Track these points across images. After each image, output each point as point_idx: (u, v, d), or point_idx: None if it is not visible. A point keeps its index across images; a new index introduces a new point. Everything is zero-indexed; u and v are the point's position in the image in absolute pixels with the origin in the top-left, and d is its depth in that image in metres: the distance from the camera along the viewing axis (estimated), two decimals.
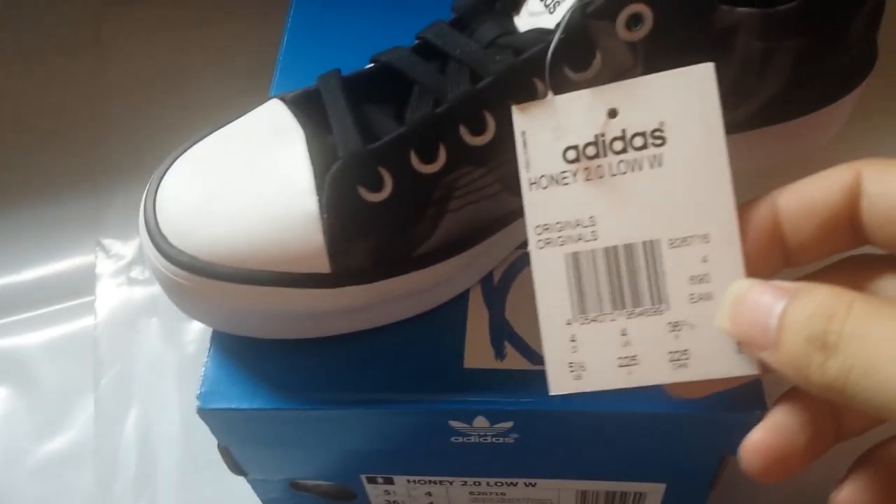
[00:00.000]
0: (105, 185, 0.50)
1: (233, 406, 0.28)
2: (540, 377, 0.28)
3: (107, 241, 0.47)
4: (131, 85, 0.53)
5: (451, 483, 0.33)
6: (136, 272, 0.46)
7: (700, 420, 0.27)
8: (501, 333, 0.29)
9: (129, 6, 0.56)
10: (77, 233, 0.48)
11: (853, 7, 0.27)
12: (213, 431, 0.30)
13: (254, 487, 0.35)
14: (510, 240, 0.30)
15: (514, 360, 0.28)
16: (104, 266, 0.46)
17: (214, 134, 0.29)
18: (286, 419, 0.29)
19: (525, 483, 0.33)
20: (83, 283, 0.46)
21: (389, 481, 0.33)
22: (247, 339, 0.29)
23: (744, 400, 0.27)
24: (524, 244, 0.31)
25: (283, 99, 0.29)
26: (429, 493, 0.34)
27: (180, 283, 0.27)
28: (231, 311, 0.27)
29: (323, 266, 0.26)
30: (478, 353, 0.29)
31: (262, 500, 0.37)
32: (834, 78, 0.29)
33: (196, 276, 0.26)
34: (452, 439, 0.29)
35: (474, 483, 0.33)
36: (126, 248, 0.47)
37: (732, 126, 0.29)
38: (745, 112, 0.29)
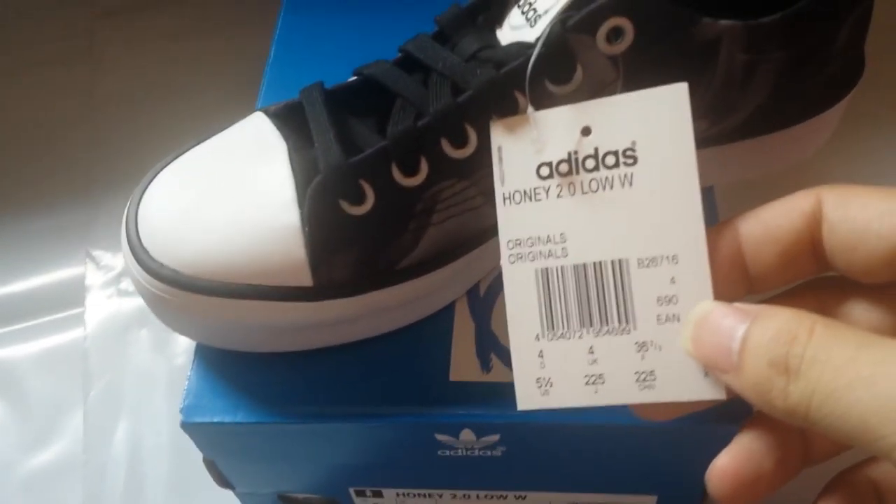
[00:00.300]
0: (96, 196, 0.50)
1: (216, 420, 0.28)
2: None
3: (96, 253, 0.47)
4: (123, 96, 0.53)
5: (440, 496, 0.33)
6: (125, 283, 0.46)
7: (687, 432, 0.27)
8: (487, 345, 0.29)
9: (121, 18, 0.56)
10: (67, 244, 0.48)
11: (838, 18, 0.27)
12: (198, 445, 0.29)
13: (242, 501, 0.35)
14: (495, 252, 0.29)
15: (500, 373, 0.28)
16: (94, 277, 0.46)
17: (197, 147, 0.29)
18: (271, 433, 0.28)
19: (515, 496, 0.33)
20: (73, 295, 0.46)
21: (378, 494, 0.33)
22: (231, 352, 0.29)
23: (733, 411, 0.27)
24: None
25: (266, 112, 0.29)
26: None
27: (162, 298, 0.26)
28: (214, 325, 0.27)
29: (305, 279, 0.26)
30: (464, 365, 0.28)
31: None
32: (820, 89, 0.29)
33: (178, 291, 0.26)
34: (439, 452, 0.29)
35: (464, 496, 0.33)
36: (116, 260, 0.47)
37: (718, 137, 0.30)
38: (729, 124, 0.28)
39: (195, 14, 0.56)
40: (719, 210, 0.32)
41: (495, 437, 0.28)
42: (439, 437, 0.28)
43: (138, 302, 0.47)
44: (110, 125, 0.53)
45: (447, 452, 0.29)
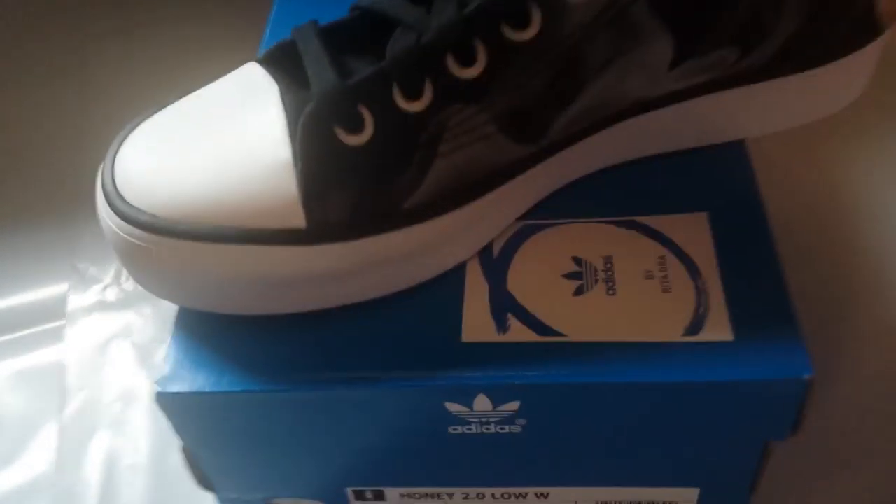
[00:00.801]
0: (84, 212, 0.47)
1: (196, 389, 0.24)
2: (550, 350, 0.24)
3: (82, 265, 0.44)
4: (113, 112, 0.51)
5: (450, 496, 0.29)
6: (111, 295, 0.43)
7: (737, 389, 0.24)
8: (503, 305, 0.25)
9: (112, 40, 0.55)
10: (52, 259, 0.45)
11: None
12: (176, 427, 0.26)
13: None
14: (510, 205, 0.27)
15: (518, 333, 0.25)
16: (77, 291, 0.43)
17: (183, 98, 0.27)
18: (258, 406, 0.25)
19: (536, 494, 0.29)
20: (55, 309, 0.43)
21: (380, 496, 0.29)
22: (215, 318, 0.26)
23: (787, 365, 0.23)
24: (526, 214, 0.28)
25: (257, 60, 0.27)
26: None
27: (139, 247, 0.23)
28: (196, 278, 0.24)
29: (298, 220, 0.23)
30: (477, 326, 0.25)
31: None
32: (859, 18, 0.26)
33: (156, 237, 0.23)
34: (451, 430, 0.25)
35: (478, 496, 0.29)
36: (101, 273, 0.44)
37: (748, 73, 0.27)
38: (761, 56, 0.26)
39: (187, 36, 0.55)
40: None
41: (514, 406, 0.24)
42: (450, 406, 0.24)
43: (122, 315, 0.44)
44: (100, 141, 0.51)
45: (459, 429, 0.25)
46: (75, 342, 0.41)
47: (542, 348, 0.24)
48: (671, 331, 0.24)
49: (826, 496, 0.32)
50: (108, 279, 0.44)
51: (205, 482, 0.29)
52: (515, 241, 0.27)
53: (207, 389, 0.24)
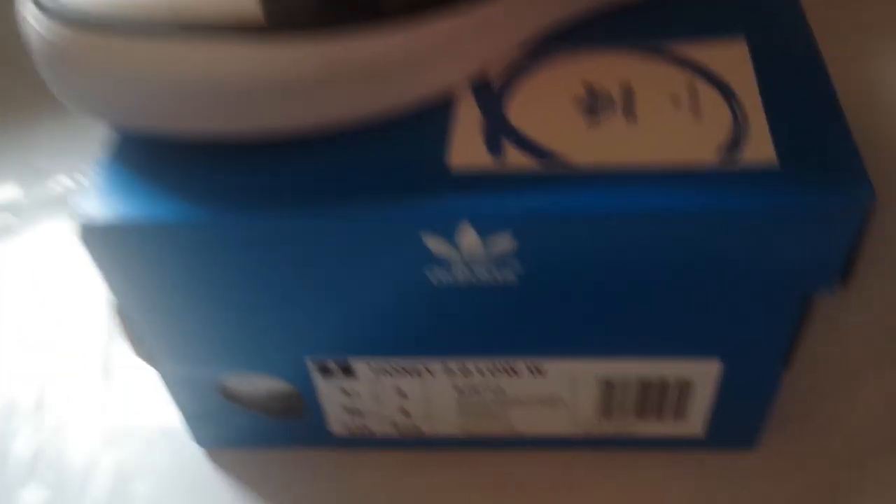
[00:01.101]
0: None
1: (128, 218, 0.20)
2: (553, 179, 0.20)
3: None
4: None
5: (430, 372, 0.25)
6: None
7: (779, 220, 0.19)
8: (499, 130, 0.21)
9: None
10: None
11: None
12: (103, 273, 0.21)
13: (174, 398, 0.27)
14: (510, 20, 0.22)
15: (515, 159, 0.20)
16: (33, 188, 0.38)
17: None
18: (201, 242, 0.20)
19: (530, 368, 0.25)
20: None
21: (348, 370, 0.25)
22: (155, 145, 0.21)
23: (843, 190, 0.19)
24: (531, 45, 0.23)
25: None
26: (400, 391, 0.26)
27: (64, 49, 0.19)
28: (132, 86, 0.19)
29: (252, 8, 0.18)
30: (466, 150, 0.20)
31: (188, 420, 0.28)
32: None
33: (84, 35, 0.18)
34: (430, 275, 0.21)
35: (461, 371, 0.25)
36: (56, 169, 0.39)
37: None
38: None
39: None
40: None
41: (507, 242, 0.20)
42: (430, 242, 0.20)
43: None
44: None
45: (441, 276, 0.21)
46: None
47: (543, 177, 0.20)
48: (701, 153, 0.20)
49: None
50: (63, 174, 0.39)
51: (142, 351, 0.25)
52: (517, 71, 0.22)
53: (140, 220, 0.20)
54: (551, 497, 0.27)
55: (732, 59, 0.22)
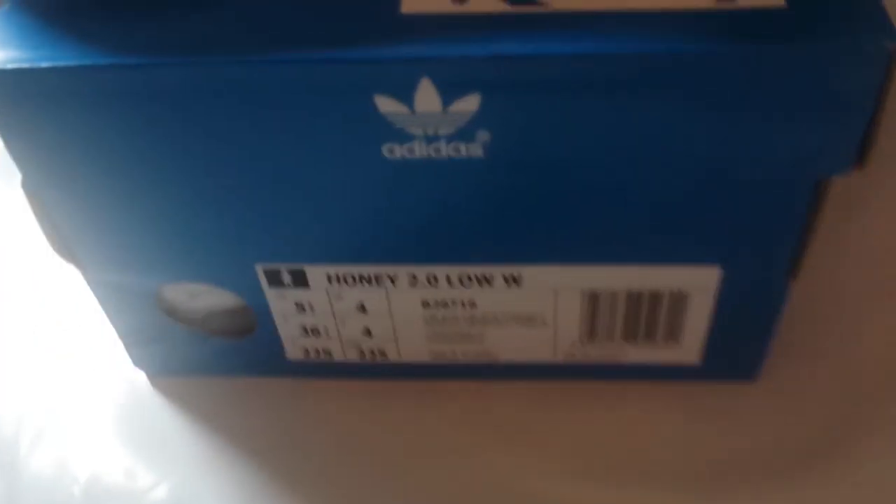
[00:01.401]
0: None
1: (33, 63, 0.17)
2: (526, 21, 0.16)
3: None
4: None
5: (393, 281, 0.22)
6: None
7: (787, 72, 0.16)
8: None
9: None
10: None
11: None
12: (8, 137, 0.19)
13: (106, 312, 0.24)
14: None
15: (481, 3, 0.18)
16: None
17: None
18: (118, 93, 0.17)
19: (505, 277, 0.22)
20: None
21: (301, 280, 0.22)
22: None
23: (860, 32, 0.16)
24: None
25: None
26: (361, 306, 0.23)
27: None
28: None
29: None
30: None
31: (123, 339, 0.25)
32: None
33: None
34: (385, 150, 0.18)
35: (428, 280, 0.22)
36: None
37: None
38: None
39: None
40: None
41: (473, 103, 0.17)
42: (382, 104, 0.17)
43: None
44: None
45: (396, 150, 0.18)
46: None
47: (514, 18, 0.17)
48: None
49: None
50: None
51: (63, 249, 0.22)
52: None
53: (47, 63, 0.17)
54: (528, 431, 0.25)
55: None
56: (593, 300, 0.22)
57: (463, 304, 0.23)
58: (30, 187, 0.20)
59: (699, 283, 0.21)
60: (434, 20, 0.17)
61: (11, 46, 0.17)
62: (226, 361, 0.26)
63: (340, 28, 0.17)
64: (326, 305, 0.23)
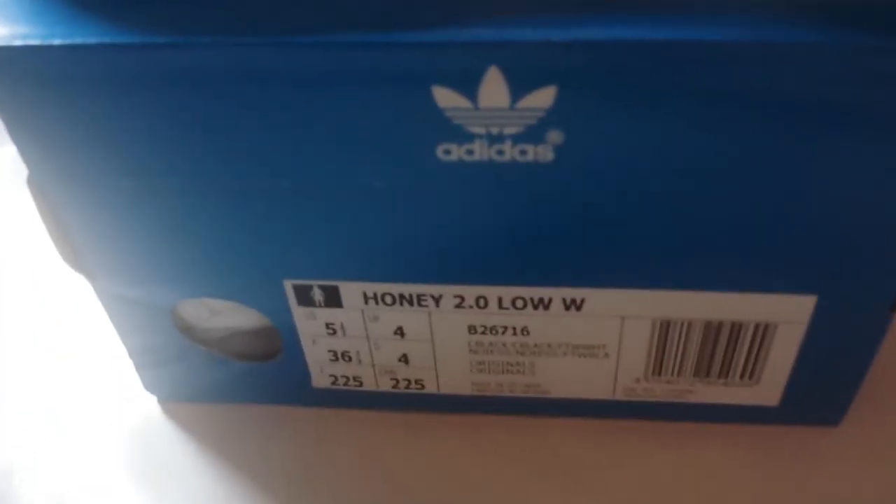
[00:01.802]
0: None
1: (45, 41, 0.15)
2: (619, 5, 0.15)
3: None
4: None
5: (436, 302, 0.20)
6: None
7: None
8: None
9: None
10: None
11: None
12: (10, 126, 0.16)
13: (117, 328, 0.22)
14: None
15: None
16: None
17: None
18: (130, 77, 0.15)
19: (566, 301, 0.19)
20: None
21: (333, 299, 0.20)
22: None
23: None
24: None
25: None
26: (399, 330, 0.21)
27: None
28: None
29: None
30: None
31: (135, 359, 0.23)
32: None
33: None
34: (441, 151, 0.16)
35: (477, 303, 0.19)
36: None
37: None
38: None
39: None
40: None
41: (548, 96, 0.15)
42: (441, 96, 0.15)
43: None
44: None
45: (454, 151, 0.16)
46: None
47: (598, 1, 0.15)
48: None
49: None
50: None
51: (73, 259, 0.20)
52: None
53: (62, 41, 0.15)
54: (579, 474, 0.22)
55: None
56: (664, 330, 0.19)
57: (514, 331, 0.20)
58: (36, 182, 0.17)
59: (790, 314, 0.19)
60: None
61: (21, 21, 0.15)
62: (246, 387, 0.23)
63: (392, 6, 0.15)
64: (360, 328, 0.20)
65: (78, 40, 0.15)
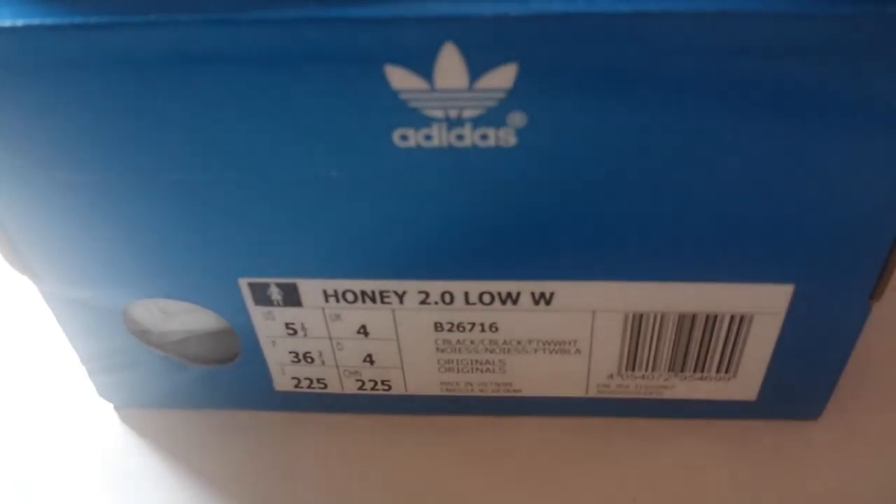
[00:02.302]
0: None
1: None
2: None
3: None
4: None
5: (400, 299, 0.19)
6: None
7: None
8: None
9: None
10: None
11: None
12: None
13: (65, 331, 0.20)
14: None
15: None
16: None
17: None
18: (85, 58, 0.14)
19: (534, 295, 0.18)
20: None
21: (292, 296, 0.19)
22: None
23: None
24: None
25: None
26: (363, 329, 0.20)
27: None
28: None
29: None
30: None
31: (86, 364, 0.22)
32: None
33: None
34: (397, 137, 0.15)
35: (442, 298, 0.19)
36: None
37: None
38: None
39: None
40: None
41: (507, 76, 0.14)
42: (394, 77, 0.14)
43: None
44: None
45: (411, 137, 0.15)
46: None
47: None
48: None
49: None
50: None
51: (15, 258, 0.18)
52: None
53: (18, 22, 0.14)
54: (554, 474, 0.21)
55: None
56: (637, 323, 0.19)
57: (482, 328, 0.19)
58: None
59: (766, 305, 0.18)
60: None
61: None
62: (205, 392, 0.22)
63: None
64: (322, 327, 0.20)
65: (3, 23, 0.14)
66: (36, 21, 0.13)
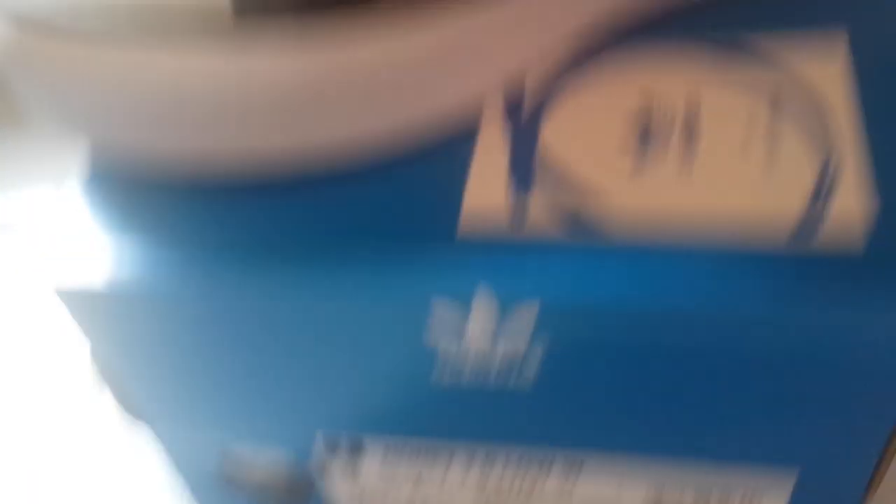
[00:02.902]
0: None
1: (100, 288, 0.18)
2: (583, 255, 0.17)
3: None
4: None
5: (450, 456, 0.22)
6: None
7: (870, 329, 0.15)
8: (525, 180, 0.18)
9: None
10: None
11: None
12: (85, 333, 0.19)
13: (178, 466, 0.24)
14: (543, 13, 0.18)
15: (538, 218, 0.17)
16: None
17: None
18: (192, 315, 0.18)
19: (564, 467, 0.21)
20: None
21: (358, 448, 0.22)
22: (131, 190, 0.19)
23: None
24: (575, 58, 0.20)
25: None
26: (416, 476, 0.23)
27: (13, 55, 0.17)
28: (87, 100, 0.17)
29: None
30: (484, 209, 0.18)
31: (191, 487, 0.26)
32: None
33: (27, 38, 0.17)
34: (433, 374, 0.18)
35: (487, 456, 0.21)
36: None
37: None
38: None
39: None
40: None
41: (522, 337, 0.17)
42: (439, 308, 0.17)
43: None
44: None
45: (448, 374, 0.18)
46: None
47: (569, 248, 0.16)
48: (776, 230, 0.16)
49: None
50: None
51: (130, 407, 0.22)
52: (556, 83, 0.19)
53: (116, 290, 0.18)
54: None
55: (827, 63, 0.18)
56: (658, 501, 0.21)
57: (520, 493, 0.22)
58: (101, 362, 0.20)
59: (774, 487, 0.20)
60: (495, 240, 0.17)
61: (89, 262, 0.18)
62: None
63: (402, 241, 0.17)
64: (376, 482, 0.23)
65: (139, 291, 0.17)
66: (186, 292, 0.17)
